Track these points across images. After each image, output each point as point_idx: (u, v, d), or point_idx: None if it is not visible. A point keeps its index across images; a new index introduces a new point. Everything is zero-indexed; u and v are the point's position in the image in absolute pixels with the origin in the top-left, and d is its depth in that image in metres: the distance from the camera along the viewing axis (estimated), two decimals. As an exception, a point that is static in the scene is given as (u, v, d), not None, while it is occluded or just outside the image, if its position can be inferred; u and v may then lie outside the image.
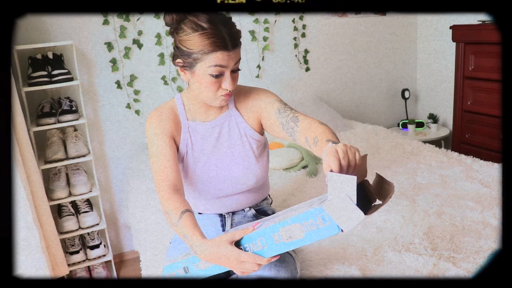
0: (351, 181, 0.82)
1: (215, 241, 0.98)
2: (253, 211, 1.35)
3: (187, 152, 1.28)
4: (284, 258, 1.13)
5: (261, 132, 1.30)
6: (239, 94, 1.29)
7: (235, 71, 1.16)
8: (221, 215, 1.34)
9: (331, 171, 0.85)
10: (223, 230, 1.31)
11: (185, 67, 1.14)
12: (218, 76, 1.12)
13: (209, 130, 1.28)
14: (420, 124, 3.14)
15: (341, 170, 0.86)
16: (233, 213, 1.34)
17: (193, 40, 1.08)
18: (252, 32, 2.68)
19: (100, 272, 2.35)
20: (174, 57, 1.17)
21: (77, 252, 2.25)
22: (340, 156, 0.86)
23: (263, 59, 2.76)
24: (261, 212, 1.37)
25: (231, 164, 1.27)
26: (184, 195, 1.22)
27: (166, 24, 1.15)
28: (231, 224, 1.33)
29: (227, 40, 1.09)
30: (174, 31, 1.14)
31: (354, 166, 0.88)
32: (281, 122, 1.18)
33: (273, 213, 1.39)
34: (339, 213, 0.83)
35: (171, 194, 1.15)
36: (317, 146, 1.03)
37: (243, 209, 1.35)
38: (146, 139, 2.47)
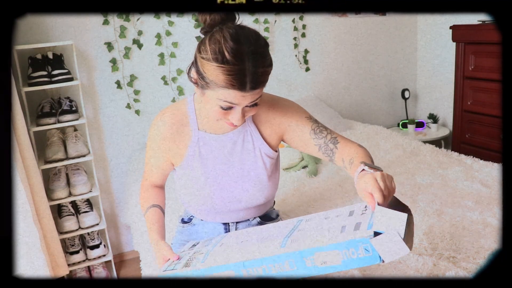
0: (402, 218, 0.83)
1: (162, 245, 1.09)
2: (258, 219, 1.31)
3: (194, 165, 1.18)
4: None
5: (276, 148, 1.22)
6: (260, 106, 1.12)
7: (250, 106, 1.02)
8: (225, 223, 1.30)
9: (378, 204, 0.86)
10: None
11: (197, 84, 1.04)
12: (228, 108, 1.01)
13: (221, 143, 1.17)
14: (420, 124, 3.14)
15: (384, 200, 0.87)
16: (238, 222, 1.30)
17: (209, 68, 0.95)
18: (252, 32, 2.68)
19: (100, 272, 2.35)
20: (191, 68, 1.06)
21: (77, 252, 2.25)
22: (381, 186, 0.87)
23: (263, 59, 2.76)
24: (265, 218, 1.33)
25: (241, 182, 1.19)
26: (163, 190, 1.29)
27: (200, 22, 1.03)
28: None
29: (246, 81, 0.94)
30: (205, 33, 1.00)
31: (392, 194, 0.90)
32: (318, 143, 1.14)
33: (277, 216, 1.37)
34: (385, 246, 0.82)
35: (149, 188, 1.26)
36: (352, 166, 1.03)
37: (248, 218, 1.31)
38: (146, 137, 2.48)
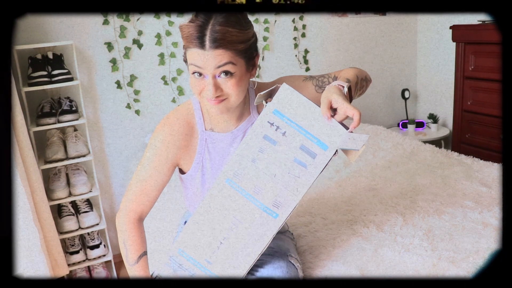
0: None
1: None
2: None
3: (203, 167, 1.14)
4: (285, 261, 1.13)
5: None
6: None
7: (224, 76, 0.99)
8: None
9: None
10: None
11: (185, 61, 1.04)
12: (200, 75, 1.00)
13: (229, 141, 1.14)
14: (420, 124, 3.14)
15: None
16: None
17: (182, 29, 0.99)
18: (252, 32, 2.68)
19: (100, 272, 2.35)
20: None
21: (77, 252, 2.25)
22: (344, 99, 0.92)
23: (263, 59, 2.76)
24: None
25: None
26: (142, 223, 1.19)
27: None
28: None
29: (206, 37, 0.94)
30: None
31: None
32: (317, 84, 1.18)
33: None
34: (349, 145, 0.90)
35: (134, 226, 1.16)
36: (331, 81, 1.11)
37: None
38: (146, 137, 2.48)
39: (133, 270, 1.11)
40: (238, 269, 1.00)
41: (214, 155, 1.14)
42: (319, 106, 0.94)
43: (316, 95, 1.15)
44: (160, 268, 1.08)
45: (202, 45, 0.95)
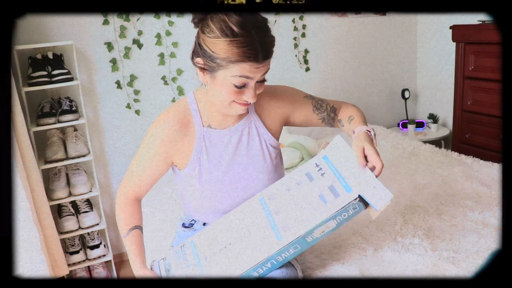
0: (373, 177, 0.98)
1: (145, 271, 1.09)
2: None
3: (201, 163, 1.15)
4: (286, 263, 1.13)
5: (278, 137, 1.25)
6: (260, 97, 1.15)
7: (260, 81, 1.05)
8: None
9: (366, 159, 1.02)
10: None
11: (205, 69, 1.03)
12: (241, 87, 1.02)
13: (227, 138, 1.16)
14: (420, 124, 3.14)
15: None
16: None
17: (220, 46, 0.96)
18: (252, 32, 2.68)
19: (100, 272, 2.35)
20: (194, 54, 1.06)
21: (77, 252, 2.25)
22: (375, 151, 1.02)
23: (263, 59, 2.76)
24: None
25: (251, 178, 1.17)
26: (140, 203, 1.24)
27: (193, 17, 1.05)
28: None
29: (259, 50, 0.96)
30: (199, 22, 1.02)
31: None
32: (322, 117, 1.25)
33: None
34: (374, 197, 0.96)
35: (128, 203, 1.22)
36: (352, 122, 1.17)
37: None
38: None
39: (125, 242, 1.18)
40: (227, 273, 1.02)
41: (211, 152, 1.15)
42: (352, 149, 1.04)
43: (312, 115, 1.25)
44: (168, 254, 1.13)
45: (256, 58, 0.97)
